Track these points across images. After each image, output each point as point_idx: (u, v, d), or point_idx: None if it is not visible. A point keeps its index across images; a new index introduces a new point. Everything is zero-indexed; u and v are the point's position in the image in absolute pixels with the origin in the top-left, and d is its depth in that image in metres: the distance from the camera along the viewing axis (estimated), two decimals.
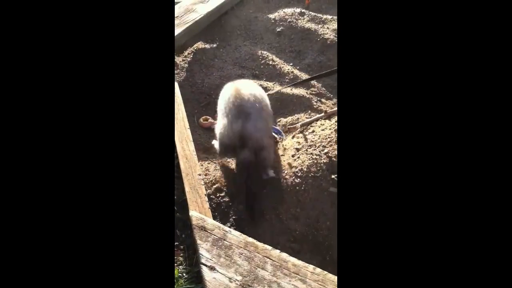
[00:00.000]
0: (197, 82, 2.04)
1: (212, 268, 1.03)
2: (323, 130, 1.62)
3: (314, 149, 1.52)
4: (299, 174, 1.46)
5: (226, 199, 1.44)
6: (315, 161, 1.47)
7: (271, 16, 2.50)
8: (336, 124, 1.59)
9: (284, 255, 1.04)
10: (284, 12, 2.50)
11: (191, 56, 2.20)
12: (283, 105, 1.93)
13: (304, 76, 2.08)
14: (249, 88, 1.51)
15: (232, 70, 2.11)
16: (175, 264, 1.26)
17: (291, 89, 1.99)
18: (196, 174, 1.38)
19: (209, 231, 1.13)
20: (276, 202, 1.42)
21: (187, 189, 1.33)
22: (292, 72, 2.11)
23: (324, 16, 2.45)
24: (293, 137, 1.70)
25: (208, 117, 1.84)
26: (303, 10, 2.52)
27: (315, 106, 1.89)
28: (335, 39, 2.24)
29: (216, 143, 1.55)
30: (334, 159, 1.45)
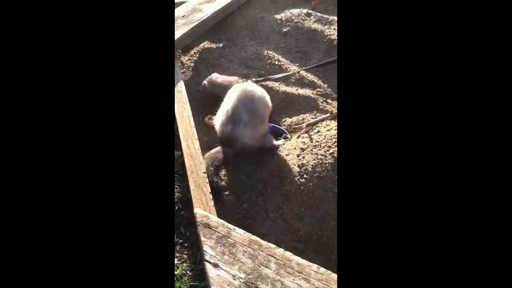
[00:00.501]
0: (203, 81, 2.05)
1: (216, 265, 1.03)
2: (328, 130, 1.62)
3: (319, 149, 1.51)
4: (304, 174, 1.46)
5: (231, 197, 1.44)
6: (320, 161, 1.46)
7: (278, 16, 2.50)
8: None
9: (288, 254, 1.04)
10: (290, 12, 2.50)
11: (197, 55, 2.21)
12: (289, 105, 1.92)
13: (310, 76, 2.08)
14: (252, 93, 1.61)
15: (238, 70, 2.11)
16: (179, 262, 1.27)
17: (296, 89, 1.99)
18: (201, 172, 1.38)
19: (213, 229, 1.13)
20: (280, 201, 1.42)
21: (191, 186, 1.33)
22: (298, 72, 2.11)
23: (331, 17, 2.45)
24: (298, 137, 1.69)
25: (213, 116, 1.84)
26: (309, 11, 2.52)
27: (320, 107, 1.89)
28: None
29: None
30: None
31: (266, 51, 2.22)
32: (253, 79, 1.96)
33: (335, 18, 2.43)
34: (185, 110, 1.70)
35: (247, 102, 1.57)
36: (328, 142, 1.53)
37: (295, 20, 2.43)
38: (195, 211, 1.21)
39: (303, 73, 2.11)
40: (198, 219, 1.16)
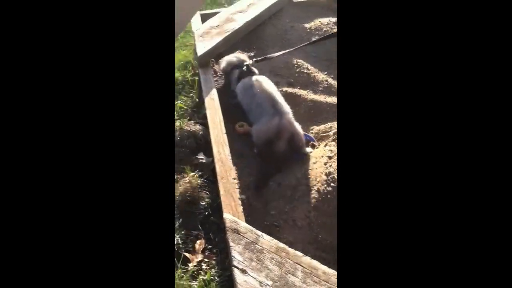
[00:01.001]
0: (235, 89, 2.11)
1: (243, 271, 1.06)
2: None
3: None
4: (331, 183, 1.47)
5: (259, 204, 1.47)
6: None
7: (307, 25, 2.53)
8: None
9: (315, 263, 1.06)
10: (320, 21, 2.52)
11: None
12: (316, 113, 1.94)
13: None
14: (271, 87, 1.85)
15: (269, 78, 2.15)
16: (208, 267, 1.31)
17: (324, 98, 2.00)
18: (231, 178, 1.43)
19: (241, 234, 1.17)
20: (308, 209, 1.44)
21: (221, 192, 1.38)
22: (326, 80, 2.13)
23: None
24: (325, 145, 1.71)
25: (243, 123, 1.88)
26: None
27: None
28: None
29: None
30: None
31: (295, 60, 2.25)
32: (254, 59, 2.07)
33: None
34: (217, 116, 1.76)
35: (279, 94, 1.81)
36: None
37: (324, 29, 2.45)
38: (224, 216, 1.25)
39: (331, 81, 2.12)
40: (227, 224, 1.21)
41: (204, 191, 1.62)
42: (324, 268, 1.04)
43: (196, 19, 2.56)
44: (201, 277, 1.25)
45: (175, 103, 2.17)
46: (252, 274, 1.05)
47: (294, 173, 1.58)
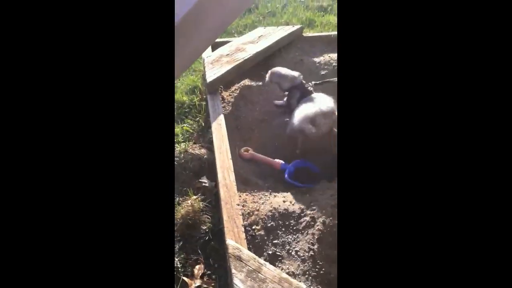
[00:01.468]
0: (241, 116, 2.12)
1: None
2: None
3: None
4: (336, 215, 1.44)
5: (262, 232, 1.43)
6: None
7: (316, 59, 2.58)
8: None
9: None
10: (329, 56, 2.58)
11: (238, 91, 2.30)
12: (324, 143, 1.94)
13: None
14: None
15: (275, 108, 2.17)
16: None
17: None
18: (235, 204, 1.40)
19: (244, 262, 1.13)
20: (311, 241, 1.40)
21: (225, 217, 1.35)
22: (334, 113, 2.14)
23: None
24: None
25: (249, 148, 1.88)
26: None
27: None
28: None
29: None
30: None
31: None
32: (313, 82, 2.23)
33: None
34: (223, 142, 1.76)
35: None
36: None
37: (334, 64, 2.50)
38: (227, 242, 1.21)
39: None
40: (230, 250, 1.17)
41: (206, 215, 1.59)
42: None
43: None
44: None
45: (181, 126, 2.18)
46: None
47: (299, 202, 1.55)
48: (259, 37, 2.74)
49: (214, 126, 1.90)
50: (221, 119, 1.93)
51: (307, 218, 1.47)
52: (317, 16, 3.74)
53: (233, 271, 1.10)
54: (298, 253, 1.37)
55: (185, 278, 1.28)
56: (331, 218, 1.43)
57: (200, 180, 1.78)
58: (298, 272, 1.30)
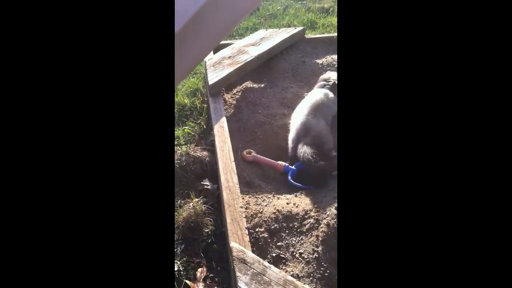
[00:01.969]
0: (243, 118, 2.10)
1: None
2: None
3: None
4: None
5: (265, 235, 1.42)
6: None
7: (319, 61, 2.57)
8: None
9: None
10: (332, 58, 2.57)
11: (240, 94, 2.29)
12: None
13: None
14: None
15: (278, 109, 2.16)
16: None
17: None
18: (238, 206, 1.39)
19: (249, 264, 1.11)
20: (316, 244, 1.38)
21: (228, 220, 1.33)
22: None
23: None
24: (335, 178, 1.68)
25: (251, 150, 1.86)
26: None
27: None
28: None
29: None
30: None
31: (306, 93, 2.26)
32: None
33: None
34: (226, 144, 1.74)
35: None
36: None
37: (336, 65, 2.49)
38: (231, 245, 1.20)
39: None
40: (234, 253, 1.15)
41: (208, 218, 1.57)
42: None
43: None
44: None
45: (183, 128, 2.17)
46: None
47: (303, 205, 1.53)
48: (261, 39, 2.73)
49: (216, 128, 1.89)
50: (223, 121, 1.92)
51: (311, 220, 1.46)
52: (319, 17, 3.74)
53: (238, 274, 1.08)
54: (302, 255, 1.35)
55: (187, 282, 1.26)
56: (335, 219, 1.42)
57: (202, 182, 1.77)
58: (302, 275, 1.29)
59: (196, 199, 1.63)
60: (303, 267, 1.31)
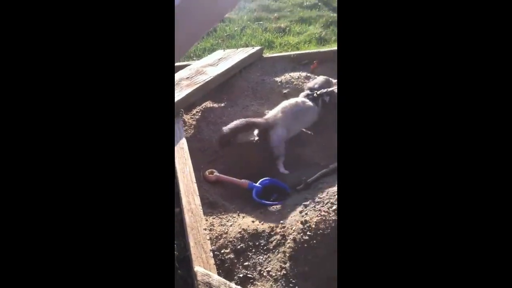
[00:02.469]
0: (205, 138, 2.07)
1: None
2: (330, 186, 1.60)
3: (322, 206, 1.48)
4: (307, 231, 1.41)
5: (231, 256, 1.37)
6: (324, 218, 1.42)
7: (278, 79, 2.61)
8: None
9: None
10: (290, 75, 2.62)
11: (200, 114, 2.26)
12: (290, 161, 1.93)
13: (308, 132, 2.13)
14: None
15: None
16: None
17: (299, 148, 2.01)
18: (202, 229, 1.34)
19: None
20: (283, 260, 1.36)
21: (191, 244, 1.28)
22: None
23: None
24: (299, 193, 1.67)
25: (214, 170, 1.83)
26: (308, 74, 2.64)
27: (322, 164, 1.90)
28: None
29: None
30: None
31: (266, 111, 2.28)
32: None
33: (333, 80, 2.53)
34: (187, 166, 1.70)
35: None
36: (331, 198, 1.51)
37: (295, 83, 2.54)
38: (195, 269, 1.15)
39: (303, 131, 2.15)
40: (199, 277, 1.10)
41: None
42: None
43: None
44: None
45: None
46: None
47: (268, 221, 1.51)
48: (219, 59, 2.74)
49: (176, 149, 1.84)
50: (183, 142, 1.88)
51: (277, 237, 1.43)
52: (276, 37, 3.82)
53: None
54: (270, 273, 1.32)
55: None
56: (301, 234, 1.40)
57: None
58: None
59: None
60: (271, 285, 1.28)
